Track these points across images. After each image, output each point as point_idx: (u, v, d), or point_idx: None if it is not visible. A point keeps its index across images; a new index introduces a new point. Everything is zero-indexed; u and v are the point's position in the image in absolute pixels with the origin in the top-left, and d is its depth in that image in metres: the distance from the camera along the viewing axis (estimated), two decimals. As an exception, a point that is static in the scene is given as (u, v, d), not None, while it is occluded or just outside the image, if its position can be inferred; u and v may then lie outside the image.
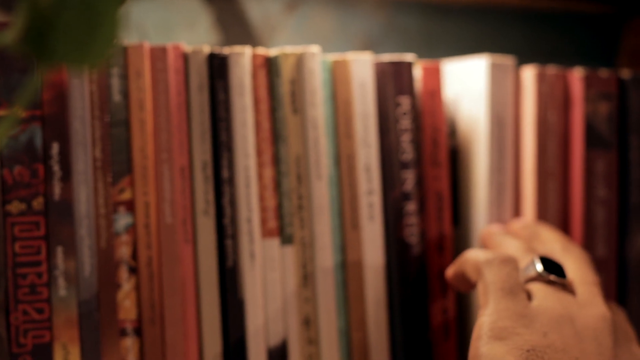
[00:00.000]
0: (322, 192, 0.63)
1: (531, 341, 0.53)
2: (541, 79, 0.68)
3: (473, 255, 0.60)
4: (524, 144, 0.69)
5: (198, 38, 0.79)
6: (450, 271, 0.63)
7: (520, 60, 0.73)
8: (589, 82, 0.69)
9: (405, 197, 0.65)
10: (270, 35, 0.82)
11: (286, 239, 0.63)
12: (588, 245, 0.69)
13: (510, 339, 0.53)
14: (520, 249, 0.61)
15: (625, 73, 0.71)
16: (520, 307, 0.55)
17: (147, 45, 0.60)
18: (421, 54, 0.83)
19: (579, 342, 0.53)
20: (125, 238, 0.59)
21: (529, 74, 0.68)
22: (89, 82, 0.59)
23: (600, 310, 0.56)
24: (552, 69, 0.69)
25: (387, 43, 0.86)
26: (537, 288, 0.57)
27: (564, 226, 0.70)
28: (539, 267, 0.58)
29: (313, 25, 0.84)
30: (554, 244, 0.63)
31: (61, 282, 0.58)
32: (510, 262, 0.58)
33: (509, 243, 0.63)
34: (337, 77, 0.64)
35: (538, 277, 0.58)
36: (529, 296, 0.57)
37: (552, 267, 0.58)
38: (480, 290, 0.58)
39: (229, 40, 0.80)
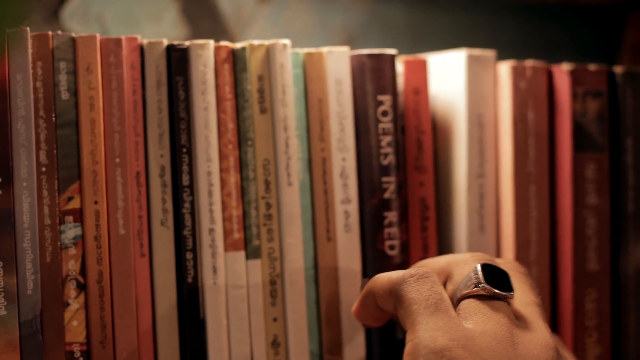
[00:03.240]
0: (292, 200, 0.61)
1: None
2: (518, 74, 0.67)
3: (383, 278, 0.56)
4: (502, 146, 0.67)
5: (164, 32, 0.77)
6: (356, 305, 0.58)
7: (514, 57, 0.71)
8: (576, 77, 0.67)
9: (386, 205, 0.63)
10: (242, 30, 0.80)
11: (252, 252, 0.61)
12: (579, 258, 0.67)
13: None
14: (456, 256, 0.57)
15: (618, 67, 0.68)
16: (453, 324, 0.51)
17: (98, 37, 0.58)
18: (407, 50, 0.81)
19: None
20: (72, 251, 0.57)
21: (504, 68, 0.67)
22: (33, 78, 0.57)
23: (543, 337, 0.52)
24: (532, 63, 0.67)
25: (370, 37, 0.85)
26: (475, 307, 0.52)
27: (551, 237, 0.68)
28: (481, 277, 0.53)
29: (290, 18, 0.82)
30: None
31: (0, 300, 0.55)
32: (429, 277, 0.53)
33: (437, 258, 0.58)
34: (311, 73, 0.62)
35: (479, 290, 0.53)
36: (461, 317, 0.52)
37: (496, 278, 0.54)
38: (401, 315, 0.53)
39: (198, 35, 0.79)
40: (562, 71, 0.67)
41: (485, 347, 0.50)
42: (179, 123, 0.59)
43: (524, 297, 0.54)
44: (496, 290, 0.52)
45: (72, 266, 0.57)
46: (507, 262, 0.57)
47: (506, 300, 0.52)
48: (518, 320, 0.52)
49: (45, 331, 0.56)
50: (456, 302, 0.53)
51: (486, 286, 0.52)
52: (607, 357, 0.67)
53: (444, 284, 0.55)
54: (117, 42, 0.58)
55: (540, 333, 0.52)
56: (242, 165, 0.60)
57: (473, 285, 0.52)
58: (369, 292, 0.56)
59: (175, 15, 0.78)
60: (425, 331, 0.50)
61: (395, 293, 0.53)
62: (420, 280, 0.53)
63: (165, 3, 0.78)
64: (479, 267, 0.53)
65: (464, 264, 0.55)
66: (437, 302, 0.51)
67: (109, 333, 0.57)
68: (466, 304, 0.52)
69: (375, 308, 0.56)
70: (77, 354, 0.57)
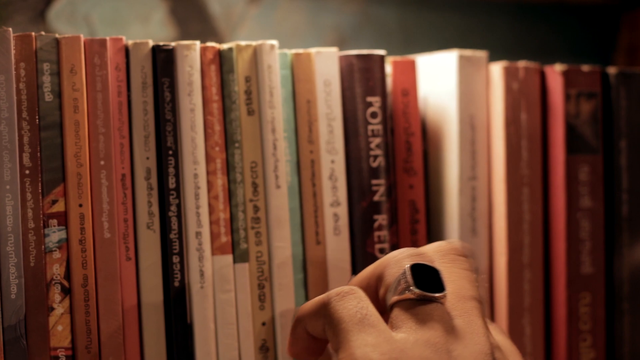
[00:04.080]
0: (281, 203, 0.61)
1: None
2: (510, 75, 0.66)
3: (309, 303, 0.55)
4: (495, 148, 0.67)
5: (152, 33, 0.77)
6: (288, 341, 0.57)
7: (507, 57, 0.70)
8: (569, 78, 0.67)
9: (375, 208, 0.62)
10: (232, 31, 0.80)
11: (240, 256, 0.60)
12: (572, 261, 0.67)
13: None
14: (387, 256, 0.55)
15: (611, 68, 0.68)
16: (383, 338, 0.49)
17: (82, 37, 0.58)
18: (399, 51, 0.81)
19: None
20: (57, 255, 0.57)
21: (496, 69, 0.66)
22: (16, 79, 0.56)
23: (479, 341, 0.50)
24: (524, 64, 0.67)
25: (361, 38, 0.85)
26: (406, 313, 0.51)
27: (545, 240, 0.68)
28: (410, 280, 0.52)
29: (280, 19, 0.81)
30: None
31: (-17, 305, 0.56)
32: (354, 293, 0.52)
33: (373, 264, 0.57)
34: (299, 74, 0.62)
35: (410, 295, 0.51)
36: (393, 325, 0.51)
37: (428, 277, 0.52)
38: (330, 336, 0.52)
39: (187, 36, 0.78)
40: (555, 72, 0.67)
41: (418, 358, 0.49)
42: (165, 125, 0.59)
43: (462, 290, 0.52)
44: (426, 293, 0.51)
45: (56, 270, 0.57)
46: (440, 247, 0.55)
47: (438, 301, 0.51)
48: (454, 320, 0.51)
49: (29, 336, 0.56)
50: (389, 308, 0.52)
51: (416, 290, 0.51)
52: (601, 362, 0.67)
53: (378, 287, 0.54)
54: (102, 42, 0.58)
55: (476, 337, 0.50)
56: (229, 167, 0.60)
57: (402, 290, 0.51)
58: (299, 321, 0.55)
59: (163, 16, 0.78)
60: (356, 348, 0.49)
61: (322, 314, 0.52)
62: (346, 297, 0.51)
63: (154, 3, 0.78)
64: (407, 269, 0.52)
65: (394, 263, 0.53)
66: (364, 317, 0.50)
67: (94, 338, 0.57)
68: (397, 310, 0.51)
69: (308, 338, 0.54)
70: (63, 359, 0.57)
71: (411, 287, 0.51)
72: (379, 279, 0.54)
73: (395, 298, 0.51)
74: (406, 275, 0.51)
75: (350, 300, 0.51)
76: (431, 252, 0.54)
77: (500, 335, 0.55)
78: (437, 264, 0.53)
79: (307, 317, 0.54)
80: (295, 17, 0.82)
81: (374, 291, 0.53)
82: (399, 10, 0.86)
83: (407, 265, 0.52)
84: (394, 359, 0.48)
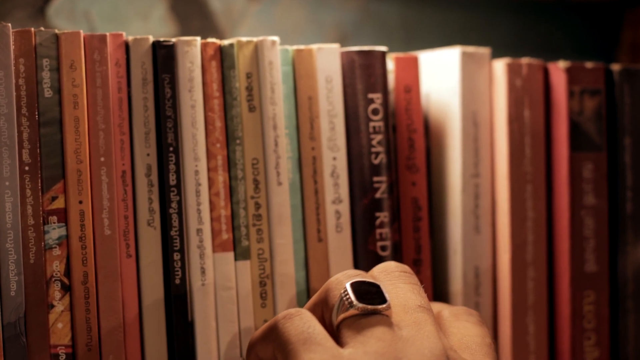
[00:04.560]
0: (282, 200, 0.61)
1: None
2: (513, 72, 0.66)
3: (259, 331, 0.55)
4: (498, 145, 0.67)
5: (152, 30, 0.76)
6: None
7: (510, 54, 0.70)
8: (573, 75, 0.67)
9: (377, 205, 0.62)
10: (233, 27, 0.80)
11: (241, 253, 0.60)
12: (576, 259, 0.67)
13: None
14: (329, 280, 0.55)
15: (615, 65, 0.68)
16: (331, 355, 0.49)
17: (82, 33, 0.58)
18: (401, 48, 0.81)
19: None
20: (57, 252, 0.57)
21: (499, 65, 0.66)
22: (15, 75, 0.56)
23: (429, 346, 0.50)
24: (527, 60, 0.67)
25: (363, 35, 0.84)
26: (353, 329, 0.51)
27: (548, 238, 0.68)
28: (352, 297, 0.52)
29: (281, 15, 0.81)
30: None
31: (-17, 302, 0.55)
32: (300, 314, 0.52)
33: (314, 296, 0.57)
34: (300, 70, 0.62)
35: (353, 311, 0.51)
36: (342, 343, 0.51)
37: (371, 292, 0.52)
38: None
39: (187, 33, 0.78)
40: (559, 69, 0.67)
41: None
42: (166, 121, 0.59)
43: (407, 302, 0.52)
44: (369, 306, 0.51)
45: (56, 267, 0.57)
46: (384, 267, 0.56)
47: (383, 313, 0.51)
48: (402, 330, 0.51)
49: (29, 334, 0.56)
50: (336, 329, 0.52)
51: (359, 305, 0.51)
52: (606, 360, 0.67)
53: (324, 312, 0.54)
54: (102, 38, 0.58)
55: (426, 342, 0.50)
56: (230, 164, 0.60)
57: (346, 308, 0.51)
58: (250, 349, 0.55)
59: (163, 12, 0.78)
60: None
61: (272, 339, 0.52)
62: (292, 319, 0.52)
63: (154, 0, 0.78)
64: (348, 287, 0.52)
65: (336, 285, 0.54)
66: (310, 336, 0.50)
67: (94, 335, 0.57)
68: (344, 329, 0.51)
69: None
70: (63, 357, 0.57)
71: (354, 303, 0.51)
72: (324, 304, 0.54)
73: (340, 317, 0.52)
74: (347, 293, 0.52)
75: (296, 321, 0.51)
76: (376, 273, 0.55)
77: (476, 328, 0.55)
78: (382, 282, 0.54)
79: (258, 344, 0.54)
80: (296, 14, 0.82)
81: (321, 318, 0.53)
82: (401, 7, 0.86)
83: (347, 283, 0.52)
84: None
